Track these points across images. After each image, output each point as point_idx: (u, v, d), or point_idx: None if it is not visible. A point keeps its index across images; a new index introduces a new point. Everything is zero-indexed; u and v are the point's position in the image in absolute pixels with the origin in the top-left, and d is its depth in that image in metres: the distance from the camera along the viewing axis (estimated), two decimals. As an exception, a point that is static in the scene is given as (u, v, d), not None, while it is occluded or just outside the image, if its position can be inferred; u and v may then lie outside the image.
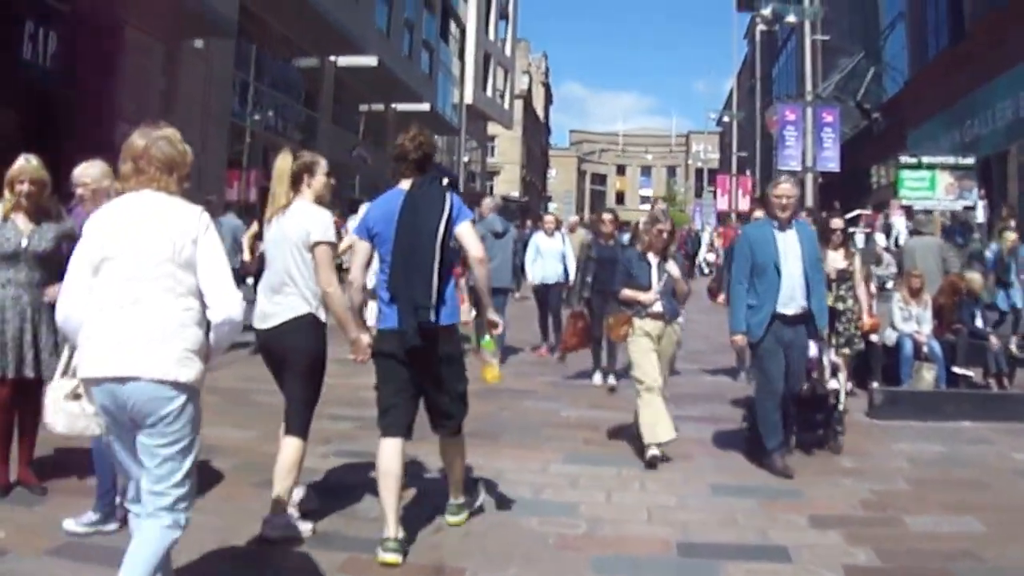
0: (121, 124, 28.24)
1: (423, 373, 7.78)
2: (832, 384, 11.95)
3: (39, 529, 7.57)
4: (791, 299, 10.66)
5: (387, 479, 7.62)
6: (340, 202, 48.71)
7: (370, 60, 46.38)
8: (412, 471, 9.62)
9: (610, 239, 16.55)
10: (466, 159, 78.46)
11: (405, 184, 7.89)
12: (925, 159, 31.50)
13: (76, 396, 6.45)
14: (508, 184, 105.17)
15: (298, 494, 8.14)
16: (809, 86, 43.58)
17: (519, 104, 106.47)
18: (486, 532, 8.24)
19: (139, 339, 5.27)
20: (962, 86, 38.53)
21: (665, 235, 11.52)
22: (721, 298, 16.58)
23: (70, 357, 6.36)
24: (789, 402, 10.89)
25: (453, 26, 78.05)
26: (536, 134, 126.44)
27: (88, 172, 8.03)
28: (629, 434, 11.74)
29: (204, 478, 8.87)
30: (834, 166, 42.67)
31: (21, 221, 8.33)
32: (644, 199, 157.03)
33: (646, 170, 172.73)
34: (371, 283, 8.57)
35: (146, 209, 5.58)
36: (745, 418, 12.05)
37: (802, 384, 11.29)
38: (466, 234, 7.81)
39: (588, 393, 15.04)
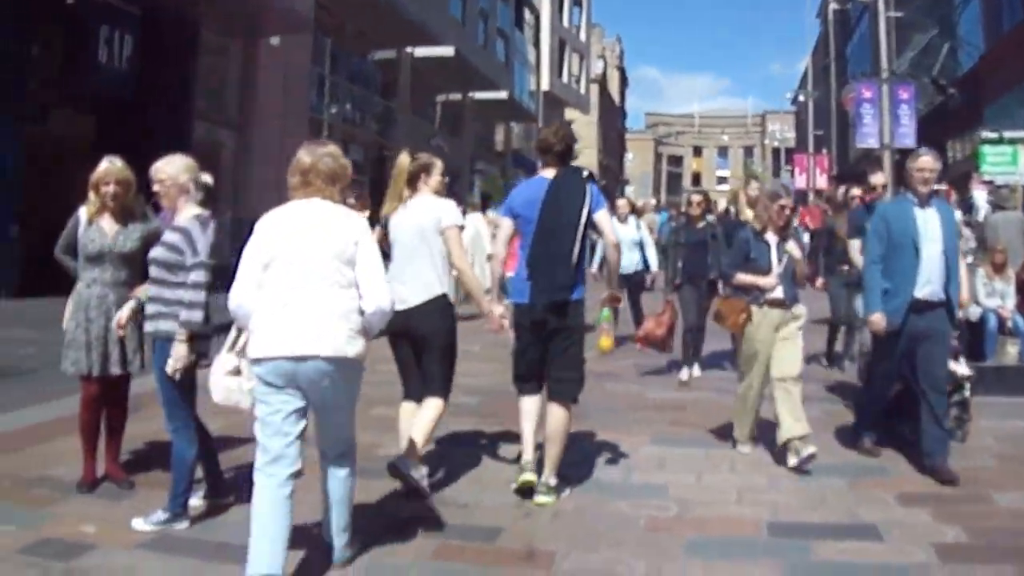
0: (199, 124, 28.69)
1: (550, 343, 8.59)
2: (962, 369, 10.94)
3: (127, 523, 7.58)
4: (927, 283, 9.61)
5: (528, 418, 8.74)
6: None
7: (446, 50, 46.50)
8: (507, 457, 9.86)
9: (699, 222, 15.12)
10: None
11: (548, 173, 8.75)
12: (1007, 134, 31.08)
13: (236, 372, 7.06)
14: (583, 164, 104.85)
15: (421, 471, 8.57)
16: (884, 63, 43.18)
17: (595, 89, 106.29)
18: (576, 515, 8.21)
19: (313, 323, 6.30)
20: (1039, 59, 38.06)
21: (787, 212, 10.26)
22: (819, 283, 15.87)
23: (236, 336, 7.04)
24: (927, 393, 9.62)
25: (527, 13, 78.10)
26: (612, 118, 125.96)
27: (164, 169, 8.03)
28: (716, 415, 11.74)
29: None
30: (911, 142, 42.08)
31: (106, 222, 8.47)
32: (721, 179, 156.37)
33: (723, 151, 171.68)
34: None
35: (315, 215, 6.59)
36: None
37: (944, 374, 9.96)
38: (603, 221, 8.73)
39: (673, 376, 14.81)
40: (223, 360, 7.16)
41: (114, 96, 24.39)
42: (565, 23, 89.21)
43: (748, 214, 14.90)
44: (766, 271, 10.09)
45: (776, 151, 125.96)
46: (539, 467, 8.64)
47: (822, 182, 70.32)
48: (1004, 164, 30.01)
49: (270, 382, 6.38)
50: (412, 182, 8.76)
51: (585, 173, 8.83)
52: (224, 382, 7.11)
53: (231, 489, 8.35)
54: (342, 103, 40.11)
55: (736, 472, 9.66)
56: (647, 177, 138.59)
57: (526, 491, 8.51)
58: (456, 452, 10.02)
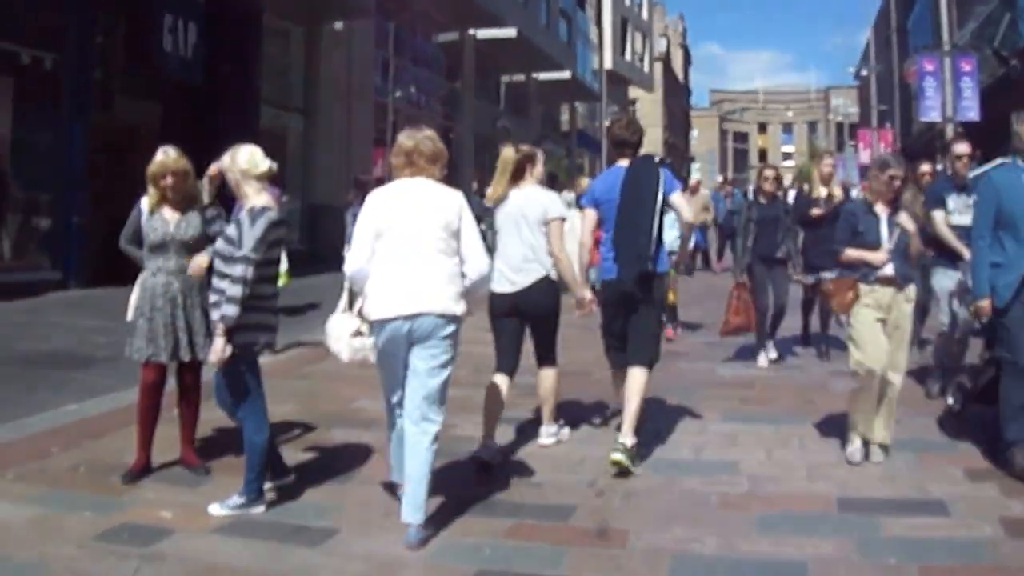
0: (265, 109, 28.82)
1: (633, 314, 9.30)
2: None
3: (204, 509, 7.64)
4: None
5: (628, 397, 9.08)
6: (484, 172, 49.18)
7: (509, 31, 46.66)
8: (577, 438, 9.97)
9: (772, 198, 14.56)
10: (608, 123, 78.30)
11: (624, 162, 9.54)
12: (1065, 103, 30.71)
13: (359, 333, 7.72)
14: (651, 146, 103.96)
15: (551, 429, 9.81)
16: (945, 36, 42.82)
17: (658, 67, 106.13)
18: (648, 493, 8.25)
19: (426, 285, 7.15)
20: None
21: (897, 183, 9.19)
22: None
23: (351, 300, 7.83)
24: None
25: (590, -8, 77.87)
26: (676, 96, 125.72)
27: (224, 160, 8.02)
28: (786, 392, 11.94)
29: (366, 452, 9.32)
30: (974, 115, 41.74)
31: (168, 211, 8.56)
32: (786, 155, 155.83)
33: (787, 127, 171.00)
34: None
35: (421, 191, 7.40)
36: (955, 392, 10.80)
37: None
38: (677, 201, 9.44)
39: (741, 352, 14.74)
40: (344, 323, 7.82)
41: (180, 83, 24.49)
42: (627, 2, 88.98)
43: (821, 191, 14.96)
44: (875, 247, 9.09)
45: (840, 126, 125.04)
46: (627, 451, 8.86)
47: (886, 157, 69.79)
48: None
49: (387, 338, 7.24)
50: (518, 173, 9.45)
51: (657, 159, 9.68)
52: (351, 343, 7.74)
53: (302, 471, 8.52)
54: (407, 86, 40.08)
55: (806, 449, 9.66)
56: (712, 154, 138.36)
57: (622, 471, 8.70)
58: (525, 430, 10.07)
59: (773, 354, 14.41)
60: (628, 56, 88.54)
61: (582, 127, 76.63)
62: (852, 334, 9.11)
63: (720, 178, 65.80)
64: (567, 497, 8.10)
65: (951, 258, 11.38)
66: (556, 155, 64.74)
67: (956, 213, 11.47)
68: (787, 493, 8.27)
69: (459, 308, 7.35)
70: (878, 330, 8.99)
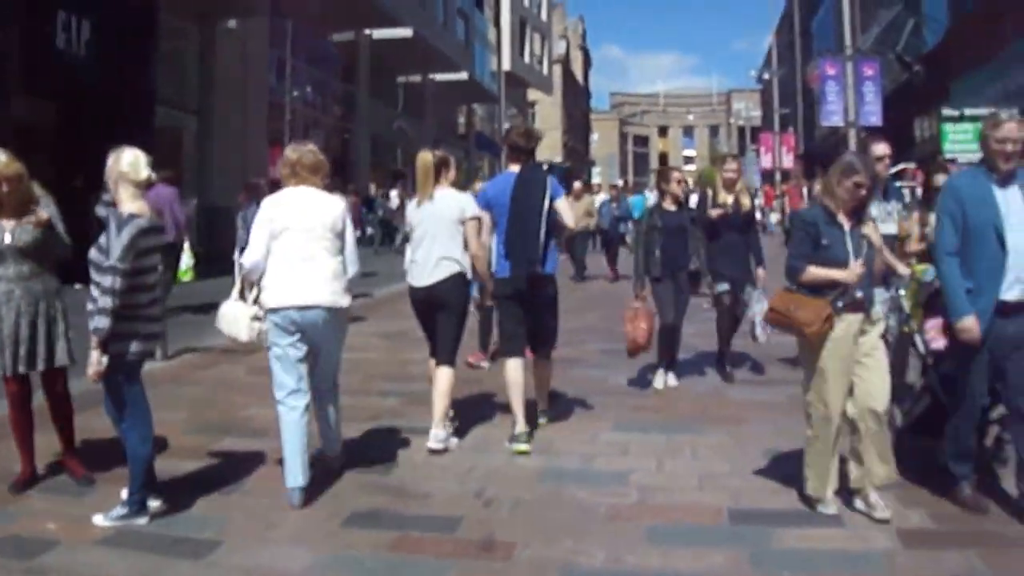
0: (160, 108, 28.51)
1: (530, 310, 10.13)
2: None
3: (88, 520, 7.51)
4: (1017, 280, 7.72)
5: (515, 388, 9.98)
6: (383, 174, 48.98)
7: (405, 31, 46.59)
8: (465, 446, 9.87)
9: (679, 203, 13.08)
10: (507, 126, 78.31)
11: (515, 167, 10.27)
12: (968, 111, 31.12)
13: (256, 318, 8.43)
14: (550, 150, 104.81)
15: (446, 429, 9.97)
16: (849, 40, 43.27)
17: (557, 69, 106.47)
18: (536, 504, 8.15)
19: (315, 281, 8.20)
20: (1005, 35, 38.13)
21: (862, 192, 7.85)
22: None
23: (242, 289, 8.54)
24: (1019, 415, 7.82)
25: (488, -8, 77.96)
26: (576, 98, 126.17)
27: (108, 163, 7.86)
28: (681, 400, 11.88)
29: (254, 462, 9.17)
30: (876, 120, 42.27)
31: (4, 218, 8.19)
32: (688, 159, 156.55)
33: (688, 130, 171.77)
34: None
35: (308, 198, 8.40)
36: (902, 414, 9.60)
37: None
38: (559, 206, 10.15)
39: (637, 360, 13.63)
40: (242, 307, 8.50)
41: (74, 81, 24.13)
42: (526, 2, 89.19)
43: (726, 197, 13.55)
44: (842, 263, 7.76)
45: (741, 130, 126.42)
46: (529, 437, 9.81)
47: (788, 161, 70.52)
48: (966, 142, 29.97)
49: (282, 327, 8.24)
50: (436, 175, 10.18)
51: (545, 167, 10.93)
52: (250, 325, 8.43)
53: (189, 481, 8.51)
54: (303, 86, 39.95)
55: (698, 458, 9.56)
56: (613, 158, 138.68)
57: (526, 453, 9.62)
58: (413, 440, 9.97)
59: (673, 381, 12.99)
60: (527, 58, 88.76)
61: (480, 129, 76.68)
62: (819, 370, 7.82)
63: (620, 181, 66.01)
64: (454, 508, 8.03)
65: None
66: (455, 158, 64.76)
67: (878, 222, 9.66)
68: (678, 504, 8.20)
69: (344, 301, 8.48)
70: (846, 367, 7.77)
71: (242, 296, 8.56)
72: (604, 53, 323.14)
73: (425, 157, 10.23)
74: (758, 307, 12.67)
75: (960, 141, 30.05)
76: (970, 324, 7.69)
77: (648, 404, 11.99)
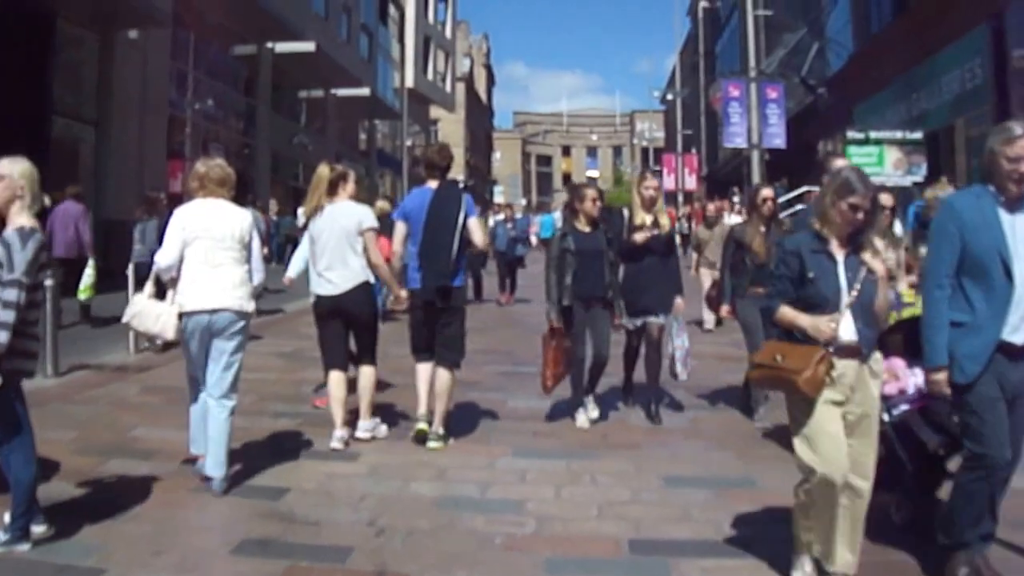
0: (57, 119, 27.95)
1: (438, 320, 10.82)
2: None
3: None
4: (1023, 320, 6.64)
5: (423, 385, 10.95)
6: (285, 191, 48.55)
7: (308, 46, 46.22)
8: (358, 472, 9.61)
9: (594, 224, 11.96)
10: (409, 143, 78.10)
11: (432, 184, 11.00)
12: (873, 134, 31.33)
13: (180, 317, 9.03)
14: (453, 168, 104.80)
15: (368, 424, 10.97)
16: (753, 62, 43.44)
17: (461, 87, 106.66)
18: (430, 533, 7.97)
19: (223, 287, 8.91)
20: (907, 60, 38.49)
21: (860, 216, 6.64)
22: (725, 310, 12.55)
23: (155, 288, 9.41)
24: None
25: (392, 9, 78.04)
26: (479, 117, 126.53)
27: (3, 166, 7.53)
28: (579, 425, 11.70)
29: (142, 486, 8.90)
30: (780, 142, 42.43)
31: None
32: (591, 180, 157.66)
33: (592, 150, 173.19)
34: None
35: (216, 209, 9.13)
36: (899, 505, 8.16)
37: None
38: (471, 225, 10.87)
39: (536, 383, 13.16)
40: (168, 307, 9.12)
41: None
42: (430, 19, 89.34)
43: (644, 217, 12.33)
44: (831, 303, 6.61)
45: (645, 151, 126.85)
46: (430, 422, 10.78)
47: (691, 183, 70.88)
48: (871, 165, 30.05)
49: (192, 329, 8.92)
50: (332, 189, 10.89)
51: (461, 185, 11.50)
52: (173, 323, 9.06)
53: (73, 506, 8.30)
54: (204, 100, 39.51)
55: (598, 486, 9.40)
56: (515, 178, 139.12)
57: (421, 438, 10.69)
58: (305, 465, 9.88)
59: (594, 413, 12.09)
60: (430, 75, 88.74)
61: (382, 146, 76.41)
62: (802, 427, 6.66)
63: (524, 201, 66.01)
64: (345, 537, 7.90)
65: None
66: (357, 175, 64.42)
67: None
68: (576, 534, 8.05)
69: (250, 307, 9.14)
70: (836, 419, 6.61)
71: (159, 292, 9.39)
72: (508, 71, 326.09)
73: (322, 170, 11.03)
74: (678, 341, 12.32)
75: (864, 163, 30.00)
76: (941, 377, 6.69)
77: (547, 429, 11.84)
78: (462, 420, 11.79)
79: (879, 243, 7.47)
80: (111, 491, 8.82)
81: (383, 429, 11.09)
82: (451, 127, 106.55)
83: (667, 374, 12.43)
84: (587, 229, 11.98)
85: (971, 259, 6.65)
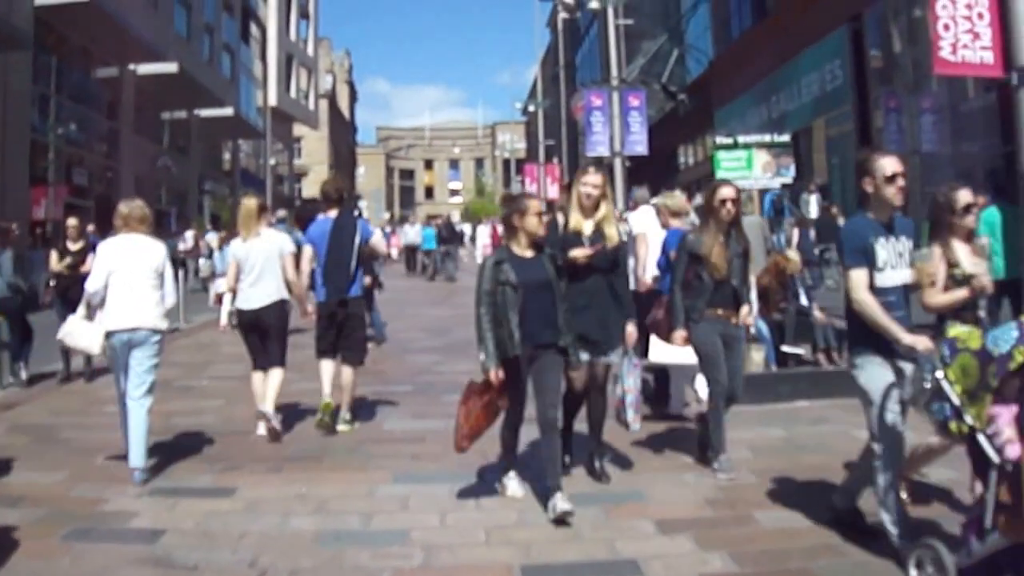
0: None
1: (342, 327, 12.66)
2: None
3: None
4: None
5: (326, 373, 12.71)
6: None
7: (170, 67, 45.77)
8: (236, 508, 9.36)
9: (536, 247, 9.21)
10: (272, 162, 77.68)
11: (332, 213, 12.81)
12: (740, 139, 31.57)
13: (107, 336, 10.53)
14: (316, 185, 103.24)
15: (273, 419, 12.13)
16: (614, 71, 43.70)
17: (324, 104, 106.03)
18: (314, 571, 7.63)
19: (141, 308, 10.43)
20: (767, 64, 39.17)
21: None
22: (679, 337, 10.28)
23: (87, 310, 10.81)
24: None
25: (254, 27, 77.45)
26: (343, 133, 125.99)
27: None
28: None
29: (7, 536, 8.26)
30: (642, 149, 42.69)
31: None
32: (453, 192, 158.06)
33: (454, 163, 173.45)
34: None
35: (136, 243, 10.71)
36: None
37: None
38: (375, 242, 13.56)
39: (412, 401, 13.78)
40: (95, 327, 10.67)
41: None
42: (292, 37, 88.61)
43: (583, 224, 9.94)
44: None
45: (507, 162, 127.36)
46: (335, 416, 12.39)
47: (553, 192, 71.12)
48: (740, 169, 30.26)
49: (116, 344, 10.41)
50: (259, 217, 12.54)
51: (356, 213, 14.29)
52: (102, 340, 10.59)
53: None
54: (67, 124, 38.80)
55: (483, 509, 9.06)
56: (379, 193, 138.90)
57: (328, 426, 12.27)
58: (182, 504, 9.36)
59: (565, 505, 8.56)
60: (293, 93, 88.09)
61: (246, 165, 75.78)
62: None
63: (387, 215, 65.82)
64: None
65: (878, 343, 7.39)
66: (220, 196, 63.86)
67: (888, 267, 7.51)
68: (465, 563, 7.82)
69: (163, 324, 10.78)
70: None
71: (89, 315, 10.81)
72: (370, 86, 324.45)
73: (249, 203, 12.78)
74: (631, 381, 9.89)
75: (733, 168, 30.28)
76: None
77: (427, 451, 11.28)
78: (339, 445, 11.59)
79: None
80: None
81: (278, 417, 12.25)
82: (315, 144, 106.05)
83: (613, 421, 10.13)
84: (528, 254, 9.22)
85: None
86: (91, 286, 10.63)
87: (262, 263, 12.33)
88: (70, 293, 15.52)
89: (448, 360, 14.55)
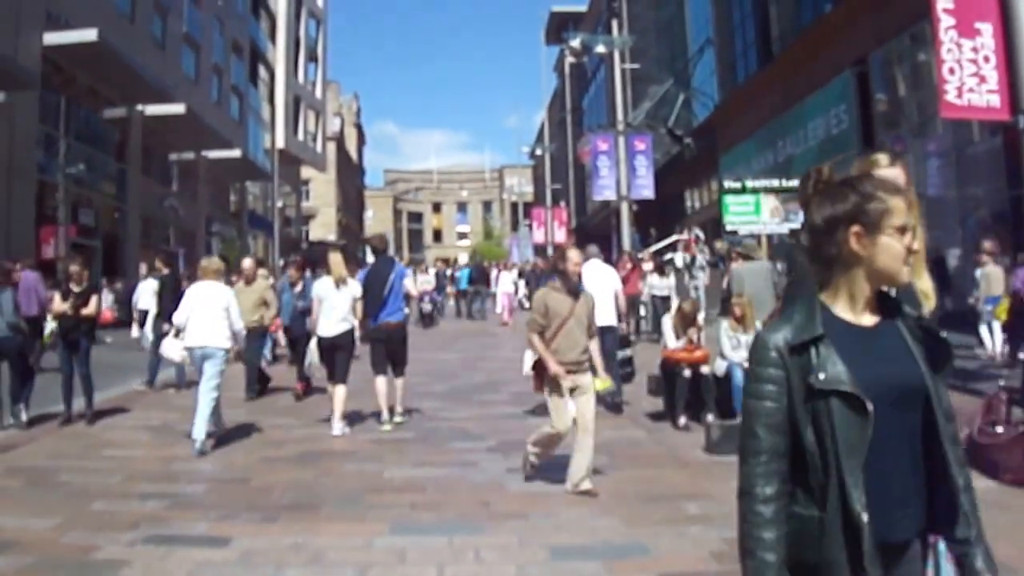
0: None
1: (390, 347, 15.59)
2: None
3: None
4: None
5: (381, 393, 15.39)
6: (155, 252, 48.06)
7: (178, 108, 45.95)
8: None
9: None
10: (280, 204, 77.57)
11: (372, 259, 16.57)
12: (749, 183, 31.50)
13: (188, 350, 14.22)
14: (324, 227, 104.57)
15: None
16: (620, 115, 43.74)
17: (332, 146, 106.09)
18: None
19: (211, 331, 14.17)
20: (773, 108, 39.11)
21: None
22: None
23: (176, 334, 14.75)
24: None
25: (262, 70, 77.62)
26: (350, 175, 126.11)
27: None
28: (460, 494, 11.02)
29: None
30: (649, 193, 42.79)
31: None
32: (461, 235, 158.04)
33: (462, 206, 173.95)
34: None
35: (212, 288, 14.57)
36: None
37: None
38: (407, 283, 16.15)
39: (412, 450, 13.70)
40: (178, 343, 14.61)
41: None
42: (300, 79, 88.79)
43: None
44: None
45: (515, 205, 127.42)
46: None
47: (560, 235, 71.09)
48: (747, 214, 30.20)
49: (195, 355, 14.16)
50: (342, 264, 15.76)
51: (396, 259, 17.42)
52: (183, 353, 14.49)
53: None
54: (74, 164, 38.79)
55: (483, 562, 8.67)
56: (387, 235, 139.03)
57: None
58: (176, 553, 8.87)
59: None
60: (301, 135, 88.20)
61: (253, 207, 75.83)
62: None
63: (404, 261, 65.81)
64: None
65: None
66: (229, 238, 63.85)
67: None
68: None
69: (227, 344, 14.40)
70: None
71: (177, 335, 14.79)
72: (379, 130, 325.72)
73: (336, 256, 16.02)
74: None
75: (740, 213, 30.25)
76: None
77: (426, 500, 10.92)
78: (336, 493, 11.25)
79: None
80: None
81: (348, 430, 15.19)
82: (322, 187, 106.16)
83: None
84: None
85: None
86: (178, 319, 14.68)
87: (340, 302, 15.56)
88: (71, 335, 15.93)
89: (452, 406, 14.49)
